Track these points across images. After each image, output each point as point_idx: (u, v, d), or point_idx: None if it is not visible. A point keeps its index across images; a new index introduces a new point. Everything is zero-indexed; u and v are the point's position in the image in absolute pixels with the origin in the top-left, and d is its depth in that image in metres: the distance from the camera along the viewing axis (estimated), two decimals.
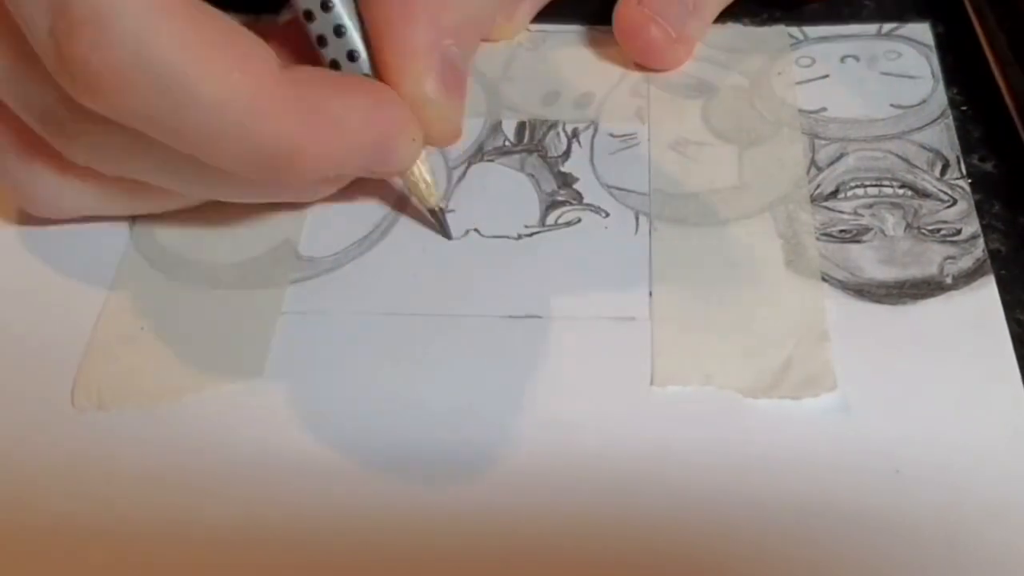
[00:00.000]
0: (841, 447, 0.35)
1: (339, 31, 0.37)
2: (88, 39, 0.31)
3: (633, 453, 0.35)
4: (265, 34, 0.34)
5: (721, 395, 0.36)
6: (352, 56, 0.37)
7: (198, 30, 0.32)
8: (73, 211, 0.40)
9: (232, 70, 0.32)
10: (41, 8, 0.31)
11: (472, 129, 0.44)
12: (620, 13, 0.45)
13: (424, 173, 0.39)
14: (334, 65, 0.37)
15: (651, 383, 0.36)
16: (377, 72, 0.37)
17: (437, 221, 0.41)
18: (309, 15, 0.37)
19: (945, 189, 0.41)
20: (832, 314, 0.38)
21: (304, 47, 0.38)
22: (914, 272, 0.39)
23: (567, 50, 0.48)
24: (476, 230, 0.41)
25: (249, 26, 0.33)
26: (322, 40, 0.37)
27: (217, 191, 0.38)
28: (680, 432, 0.35)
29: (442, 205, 0.41)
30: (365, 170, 0.38)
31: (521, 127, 0.44)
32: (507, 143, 0.44)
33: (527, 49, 0.48)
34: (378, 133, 0.36)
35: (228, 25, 0.33)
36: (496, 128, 0.44)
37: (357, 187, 0.42)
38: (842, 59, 0.46)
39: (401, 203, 0.42)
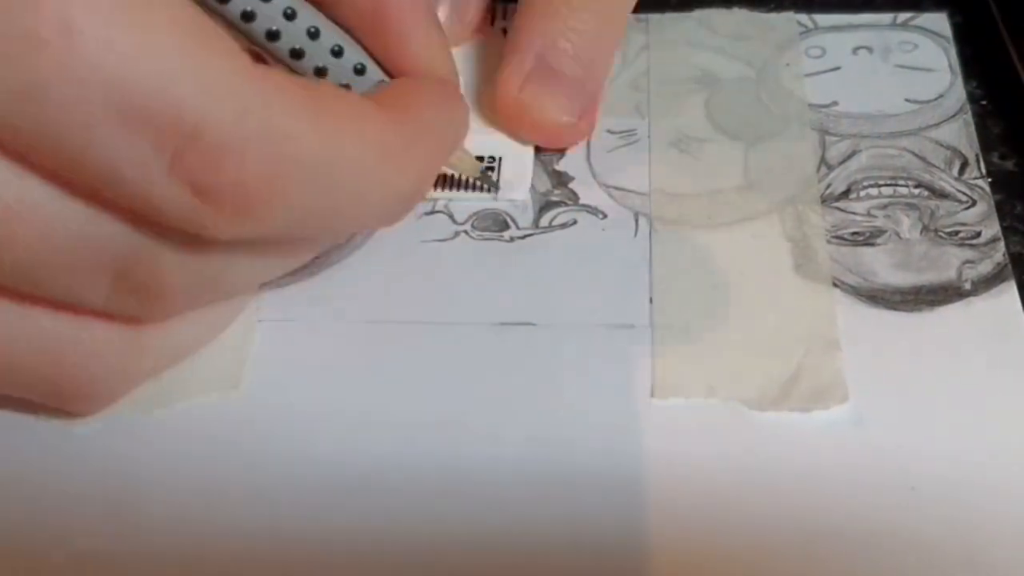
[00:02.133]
0: (853, 462, 0.35)
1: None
2: (232, 159, 0.28)
3: (632, 469, 0.35)
4: None
5: (726, 408, 0.36)
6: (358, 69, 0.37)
7: (316, 103, 0.31)
8: (154, 369, 0.37)
9: (360, 129, 0.32)
10: (148, 154, 0.28)
11: None
12: (503, 99, 0.43)
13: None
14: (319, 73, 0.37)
15: (651, 395, 0.36)
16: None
17: (485, 183, 0.42)
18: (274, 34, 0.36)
19: (963, 189, 0.41)
20: (844, 321, 0.38)
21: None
22: (931, 277, 0.39)
23: None
24: (466, 232, 0.41)
25: None
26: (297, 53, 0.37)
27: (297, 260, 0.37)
28: (682, 447, 0.35)
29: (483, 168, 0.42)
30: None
31: None
32: None
33: None
34: (460, 131, 0.38)
35: (327, 86, 0.34)
36: None
37: None
38: (854, 50, 0.46)
39: None
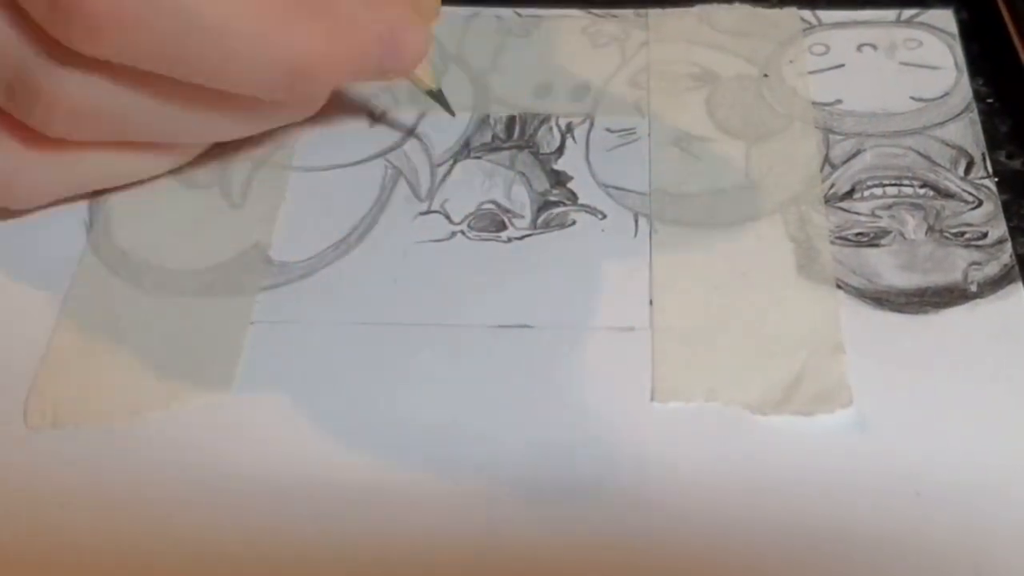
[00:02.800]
0: (857, 468, 0.35)
1: None
2: None
3: (632, 474, 0.35)
4: None
5: (727, 412, 0.36)
6: None
7: None
8: (45, 194, 0.40)
9: None
10: None
11: (458, 124, 0.44)
12: None
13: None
14: None
15: (651, 398, 0.36)
16: None
17: (438, 101, 0.42)
18: None
19: (970, 189, 0.41)
20: (847, 324, 0.38)
21: None
22: (936, 279, 0.39)
23: (561, 37, 0.48)
24: (462, 232, 0.41)
25: None
26: None
27: (215, 127, 0.39)
28: (683, 451, 0.35)
29: (439, 86, 0.42)
30: (378, 70, 0.38)
31: (511, 121, 0.44)
32: (496, 139, 0.44)
33: (517, 36, 0.48)
34: (387, 24, 0.37)
35: None
36: (484, 122, 0.44)
37: (333, 186, 0.42)
38: (859, 47, 0.46)
39: (380, 203, 0.42)
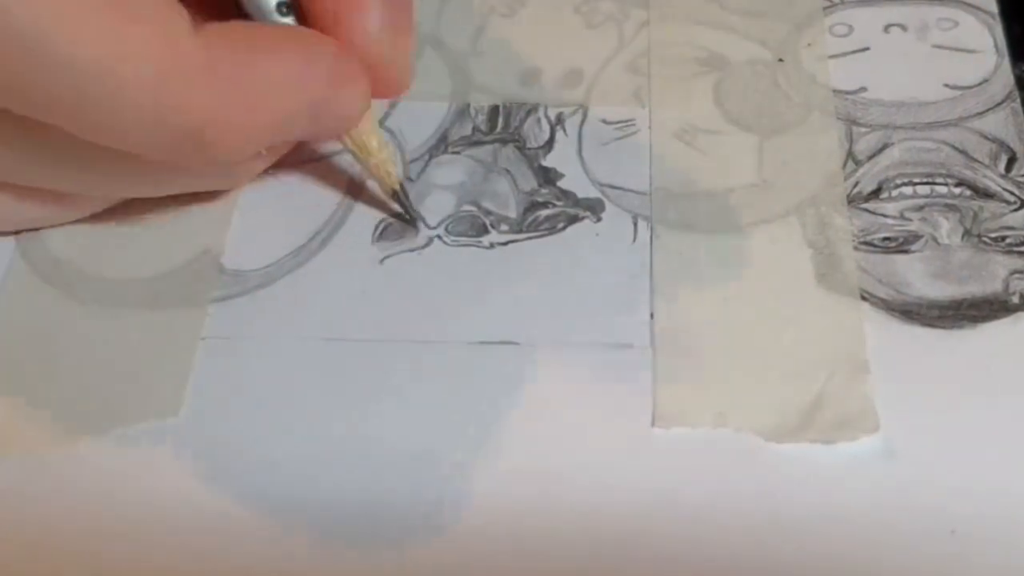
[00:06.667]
0: (884, 502, 0.35)
1: None
2: None
3: (631, 508, 0.35)
4: None
5: (738, 439, 0.36)
6: (281, 8, 0.37)
7: None
8: None
9: (117, 31, 0.32)
10: None
11: (434, 114, 0.44)
12: None
13: (376, 143, 0.39)
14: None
15: (652, 424, 0.36)
16: (308, 15, 0.37)
17: (401, 206, 0.41)
18: None
19: (1011, 188, 0.41)
20: (873, 340, 0.38)
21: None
22: (973, 289, 0.39)
23: (551, 16, 0.48)
24: (439, 237, 0.41)
25: None
26: None
27: (119, 184, 0.39)
28: (687, 483, 0.35)
29: (403, 183, 0.40)
30: (305, 136, 0.39)
31: (494, 112, 0.45)
32: (477, 131, 0.44)
33: (501, 15, 0.48)
34: (313, 93, 0.36)
35: None
36: (464, 113, 0.45)
37: (293, 185, 0.42)
38: (886, 28, 0.47)
39: (346, 204, 0.42)
